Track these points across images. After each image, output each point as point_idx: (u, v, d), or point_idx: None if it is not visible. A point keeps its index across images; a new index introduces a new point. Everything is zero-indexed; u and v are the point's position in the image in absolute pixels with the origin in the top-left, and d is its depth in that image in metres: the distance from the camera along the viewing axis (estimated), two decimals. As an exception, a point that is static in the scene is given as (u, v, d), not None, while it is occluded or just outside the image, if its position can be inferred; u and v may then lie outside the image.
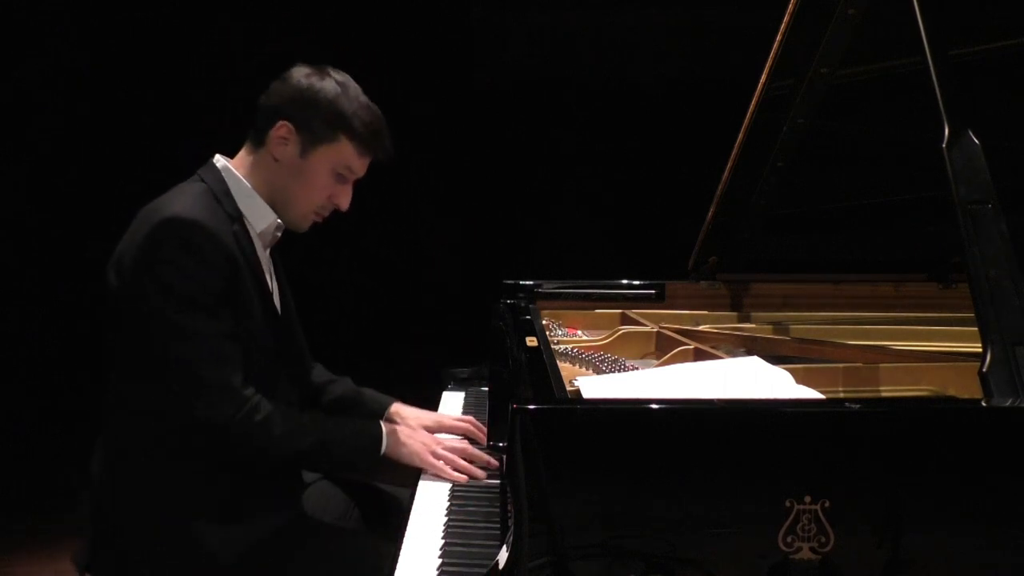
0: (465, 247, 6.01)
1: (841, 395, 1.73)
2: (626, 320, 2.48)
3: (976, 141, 1.48)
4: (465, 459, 1.84)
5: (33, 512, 3.86)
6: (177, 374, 1.64)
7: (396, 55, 5.55)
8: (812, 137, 2.27)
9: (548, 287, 2.65)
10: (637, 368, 1.92)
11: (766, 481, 1.21)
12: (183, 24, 5.40)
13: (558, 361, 1.90)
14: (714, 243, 2.55)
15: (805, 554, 1.19)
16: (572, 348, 2.12)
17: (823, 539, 1.19)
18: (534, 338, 1.97)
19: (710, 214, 2.47)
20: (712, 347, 2.00)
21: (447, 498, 1.75)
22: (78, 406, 3.41)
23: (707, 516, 1.20)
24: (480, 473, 1.82)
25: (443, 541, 1.57)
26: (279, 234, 1.86)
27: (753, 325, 2.48)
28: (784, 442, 1.24)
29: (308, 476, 1.96)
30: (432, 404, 2.35)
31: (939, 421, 1.27)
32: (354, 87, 1.82)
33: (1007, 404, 1.31)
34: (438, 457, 1.82)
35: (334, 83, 1.79)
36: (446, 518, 1.66)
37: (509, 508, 1.27)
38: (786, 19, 2.04)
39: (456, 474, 1.80)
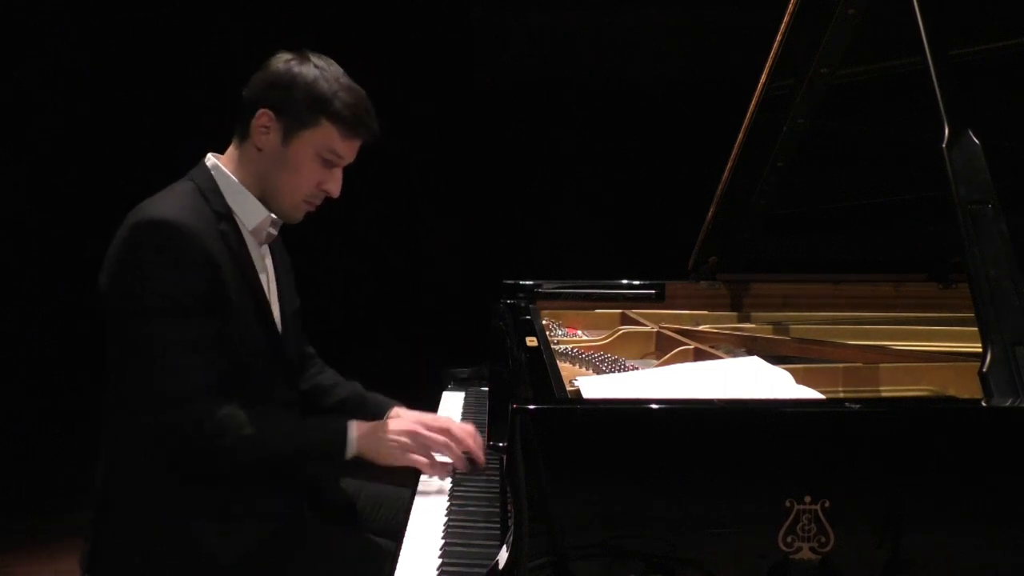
0: (465, 247, 6.02)
1: (841, 395, 1.73)
2: (626, 320, 2.48)
3: (976, 141, 1.48)
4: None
5: (33, 512, 3.87)
6: (138, 381, 1.62)
7: (396, 55, 5.55)
8: (812, 137, 2.27)
9: (548, 287, 2.65)
10: (637, 368, 1.92)
11: (766, 481, 1.21)
12: (183, 24, 5.40)
13: (558, 361, 1.89)
14: (714, 243, 2.55)
15: (805, 554, 1.19)
16: (572, 348, 2.12)
17: (823, 539, 1.19)
18: (534, 338, 1.97)
19: (710, 214, 2.47)
20: (712, 347, 2.00)
21: (447, 498, 1.75)
22: (78, 406, 3.41)
23: (707, 516, 1.20)
24: (463, 463, 1.73)
25: (443, 541, 1.57)
26: (274, 231, 1.83)
27: (753, 325, 2.48)
28: (784, 442, 1.24)
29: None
30: (432, 404, 2.36)
31: (939, 421, 1.27)
32: (334, 69, 1.77)
33: (1007, 404, 1.31)
34: (421, 443, 1.72)
35: (313, 67, 1.74)
36: (446, 518, 1.66)
37: (509, 508, 1.27)
38: (786, 19, 2.04)
39: (437, 462, 1.72)
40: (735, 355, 1.92)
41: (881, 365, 1.79)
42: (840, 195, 2.55)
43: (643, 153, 5.57)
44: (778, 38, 2.08)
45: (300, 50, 1.78)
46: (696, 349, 1.94)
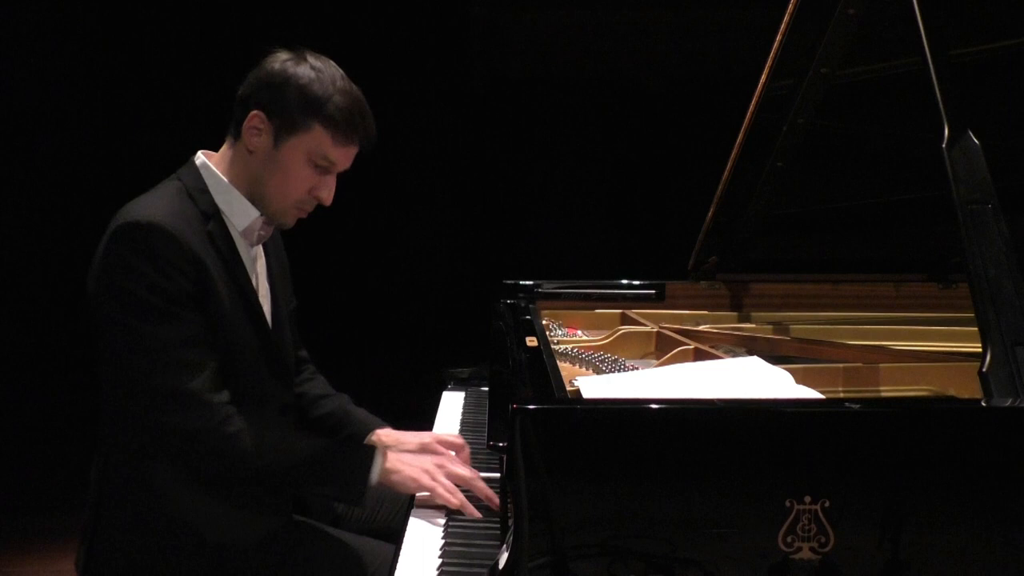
0: (465, 247, 6.02)
1: (841, 395, 1.73)
2: (626, 320, 2.48)
3: (976, 141, 1.49)
4: (466, 491, 1.69)
5: (33, 512, 3.86)
6: (138, 383, 1.59)
7: (395, 55, 5.55)
8: (812, 137, 2.27)
9: (548, 287, 2.65)
10: (637, 368, 1.92)
11: (766, 481, 1.21)
12: (183, 24, 5.40)
13: (558, 361, 1.90)
14: (714, 243, 2.55)
15: (805, 554, 1.19)
16: (572, 348, 2.12)
17: (823, 539, 1.19)
18: (534, 338, 1.97)
19: (710, 214, 2.47)
20: (712, 347, 2.00)
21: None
22: (78, 406, 3.40)
23: (707, 516, 1.20)
24: (476, 512, 1.65)
25: (443, 541, 1.57)
26: (266, 232, 1.79)
27: (753, 325, 2.48)
28: (784, 442, 1.24)
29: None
30: (432, 404, 2.36)
31: (939, 421, 1.27)
32: (332, 71, 1.71)
33: (1007, 404, 1.31)
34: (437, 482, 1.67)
35: (309, 67, 1.68)
36: (446, 518, 1.66)
37: (509, 508, 1.27)
38: (786, 19, 2.04)
39: (454, 499, 1.65)
40: (735, 355, 1.92)
41: (881, 365, 1.79)
42: (840, 195, 2.55)
43: (643, 153, 5.57)
44: (778, 38, 2.08)
45: (298, 49, 1.72)
46: (696, 349, 1.94)
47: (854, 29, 2.01)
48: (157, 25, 5.40)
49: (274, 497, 1.75)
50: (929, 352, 2.04)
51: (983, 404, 1.32)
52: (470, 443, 1.92)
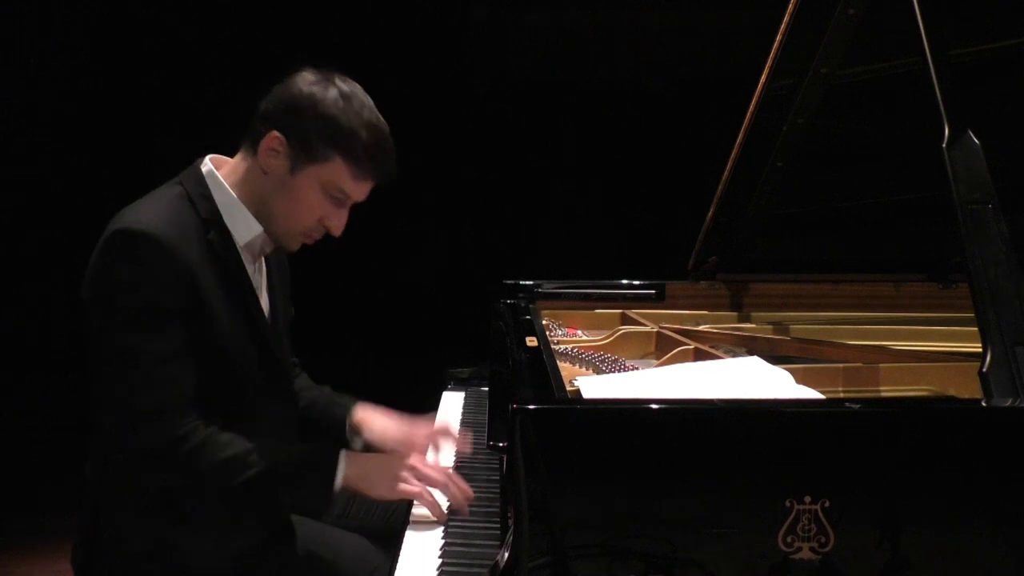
0: (465, 246, 6.01)
1: (841, 395, 1.73)
2: (626, 320, 2.48)
3: (976, 141, 1.49)
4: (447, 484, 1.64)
5: (33, 512, 3.86)
6: (104, 391, 1.56)
7: (394, 55, 5.55)
8: (812, 137, 2.27)
9: (548, 287, 2.65)
10: (637, 368, 1.92)
11: (766, 481, 1.21)
12: (184, 24, 5.40)
13: (558, 361, 1.89)
14: (714, 243, 2.55)
15: (805, 554, 1.19)
16: (572, 348, 2.12)
17: (823, 539, 1.19)
18: (534, 338, 1.97)
19: (710, 214, 2.47)
20: (712, 347, 2.00)
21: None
22: (78, 406, 3.40)
23: (707, 516, 1.20)
24: (464, 507, 1.62)
25: (443, 541, 1.57)
26: (268, 248, 1.74)
27: (753, 325, 2.48)
28: (784, 442, 1.24)
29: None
30: (432, 404, 2.35)
31: (939, 421, 1.27)
32: (360, 100, 1.64)
33: (1007, 404, 1.31)
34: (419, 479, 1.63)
35: (337, 94, 1.61)
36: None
37: (509, 508, 1.27)
38: (786, 19, 2.04)
39: (433, 500, 1.62)
40: (735, 355, 1.92)
41: (881, 365, 1.79)
42: (840, 195, 2.55)
43: (643, 153, 5.56)
44: (778, 38, 2.08)
45: (327, 72, 1.65)
46: (696, 349, 1.94)
47: (854, 29, 2.01)
48: (160, 24, 5.40)
49: (237, 517, 1.67)
50: (929, 352, 2.04)
51: (983, 404, 1.32)
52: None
